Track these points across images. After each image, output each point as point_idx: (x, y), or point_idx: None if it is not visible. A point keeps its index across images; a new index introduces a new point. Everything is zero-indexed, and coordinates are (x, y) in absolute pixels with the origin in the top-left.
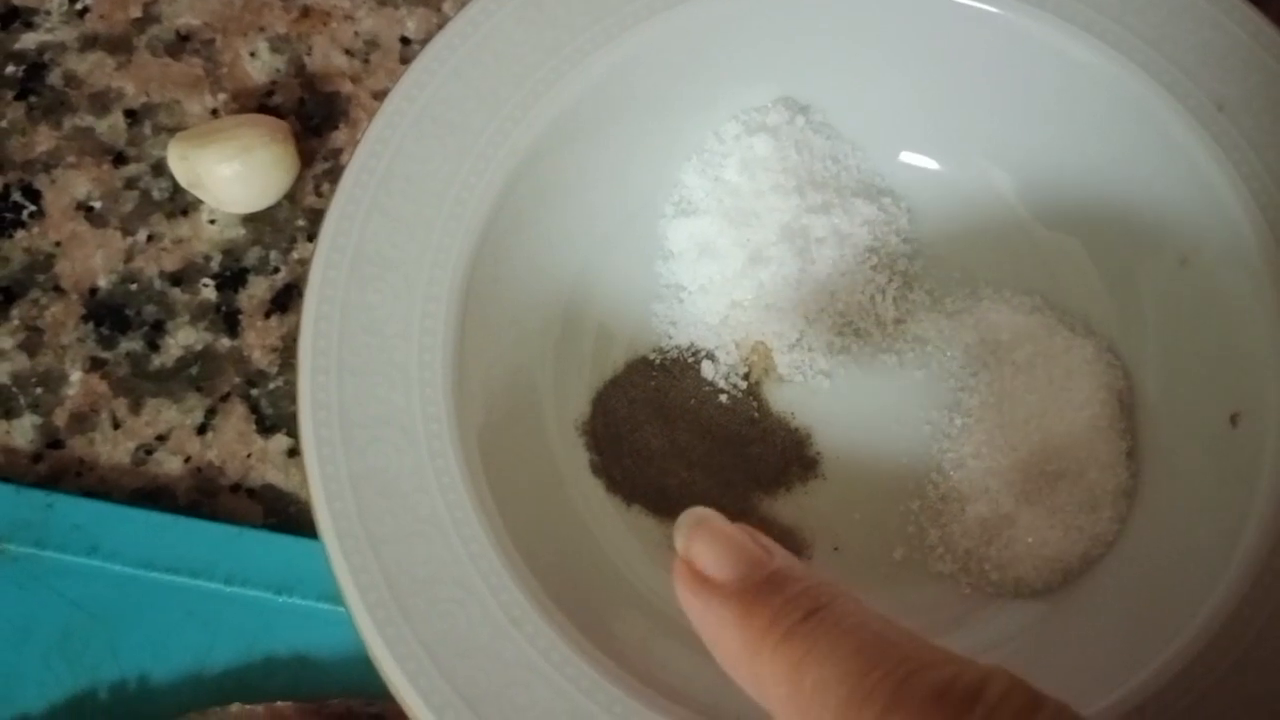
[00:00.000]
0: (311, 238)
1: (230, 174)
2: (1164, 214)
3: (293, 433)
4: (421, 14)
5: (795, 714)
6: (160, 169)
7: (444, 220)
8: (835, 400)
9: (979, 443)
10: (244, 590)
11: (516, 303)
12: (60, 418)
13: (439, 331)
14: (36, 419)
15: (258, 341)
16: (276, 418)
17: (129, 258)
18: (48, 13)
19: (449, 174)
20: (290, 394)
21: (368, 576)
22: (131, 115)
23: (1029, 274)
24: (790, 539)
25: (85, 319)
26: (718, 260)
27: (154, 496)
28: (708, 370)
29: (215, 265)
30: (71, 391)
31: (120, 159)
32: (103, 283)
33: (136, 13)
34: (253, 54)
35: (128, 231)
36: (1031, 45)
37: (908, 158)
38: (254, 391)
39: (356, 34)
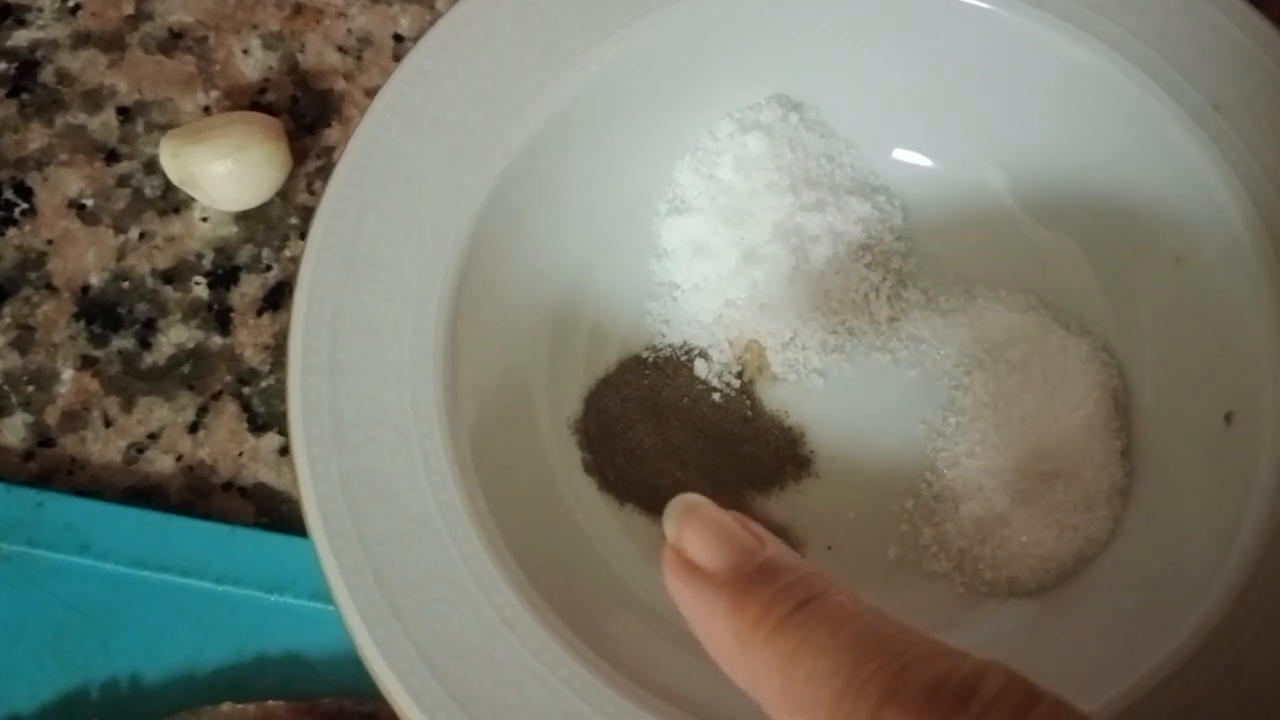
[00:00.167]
0: (304, 236)
1: (223, 172)
2: (1160, 213)
3: (284, 431)
4: (415, 11)
5: (787, 707)
6: (152, 167)
7: (437, 219)
8: (829, 399)
9: (973, 441)
10: (236, 589)
11: (510, 301)
12: (52, 416)
13: (431, 330)
14: (28, 417)
15: (250, 340)
16: (268, 416)
17: (121, 255)
18: (40, 10)
19: (442, 172)
20: (282, 392)
21: (359, 577)
22: (124, 113)
23: (1024, 272)
24: (783, 538)
25: (77, 317)
26: (711, 259)
27: (146, 495)
28: (701, 369)
29: (207, 263)
30: (63, 390)
31: (112, 156)
32: (94, 280)
33: (129, 10)
34: (245, 51)
35: (120, 229)
36: (1028, 43)
37: (902, 155)
38: (246, 390)
39: (349, 31)
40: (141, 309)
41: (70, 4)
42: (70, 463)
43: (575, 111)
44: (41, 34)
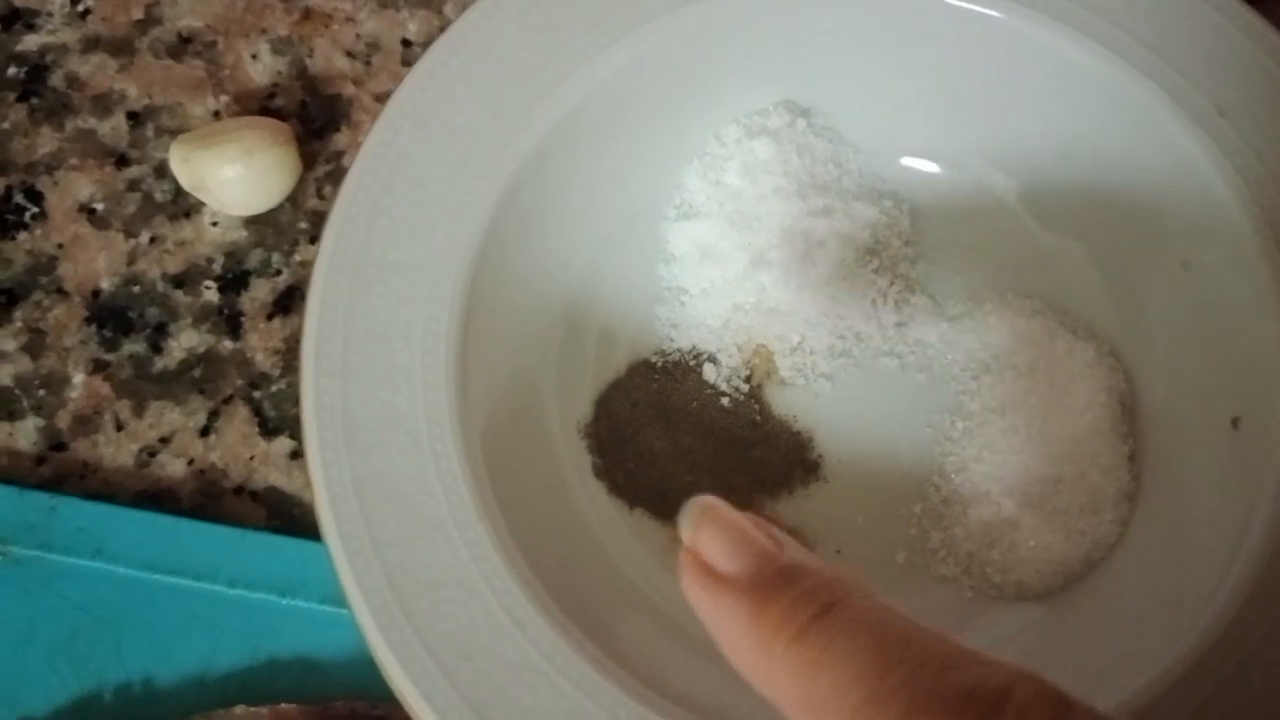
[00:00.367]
0: (314, 240)
1: (232, 176)
2: (1166, 217)
3: (295, 435)
4: (423, 16)
5: (809, 715)
6: (162, 171)
7: (447, 223)
8: (837, 403)
9: (981, 446)
10: (248, 593)
11: (520, 305)
12: (63, 420)
13: (442, 334)
14: (40, 421)
15: (260, 344)
16: (279, 420)
17: (131, 260)
18: (49, 14)
19: (452, 176)
20: (292, 396)
21: (371, 579)
22: (134, 117)
23: (1031, 278)
24: None
25: (88, 321)
26: (719, 263)
27: (157, 499)
28: (710, 373)
29: (217, 267)
30: (74, 394)
31: (122, 161)
32: (105, 285)
33: (138, 14)
34: (254, 56)
35: (130, 234)
36: (1033, 49)
37: (909, 161)
38: (256, 394)
39: (358, 36)
40: (152, 313)
41: (80, 8)
42: (82, 467)
43: (583, 115)
44: (51, 38)
